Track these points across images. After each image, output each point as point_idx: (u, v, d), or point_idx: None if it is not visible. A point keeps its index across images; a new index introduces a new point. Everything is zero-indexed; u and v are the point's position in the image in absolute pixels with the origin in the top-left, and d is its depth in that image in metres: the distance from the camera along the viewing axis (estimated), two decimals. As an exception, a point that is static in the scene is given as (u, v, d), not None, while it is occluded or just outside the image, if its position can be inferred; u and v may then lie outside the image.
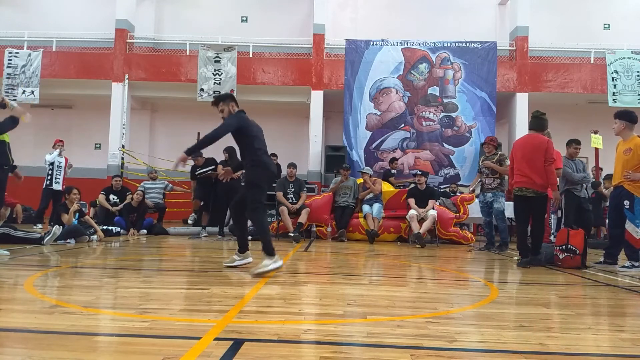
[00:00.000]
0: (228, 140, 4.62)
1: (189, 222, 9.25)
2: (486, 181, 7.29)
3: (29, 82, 12.09)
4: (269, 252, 4.12)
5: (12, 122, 4.99)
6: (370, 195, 8.82)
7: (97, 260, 5.13)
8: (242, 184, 4.93)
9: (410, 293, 3.59)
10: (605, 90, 11.83)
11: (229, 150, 8.44)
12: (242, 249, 4.58)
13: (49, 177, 9.38)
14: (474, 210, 8.64)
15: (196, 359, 1.88)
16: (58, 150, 9.41)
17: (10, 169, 5.26)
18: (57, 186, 9.34)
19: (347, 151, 12.19)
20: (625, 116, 5.31)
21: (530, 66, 12.76)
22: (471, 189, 8.69)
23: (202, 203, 8.63)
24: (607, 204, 7.33)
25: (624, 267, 5.18)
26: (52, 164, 9.35)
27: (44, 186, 9.38)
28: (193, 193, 9.09)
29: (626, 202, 5.11)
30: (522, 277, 4.75)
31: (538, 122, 5.54)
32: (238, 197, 4.53)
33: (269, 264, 4.05)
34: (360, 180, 9.27)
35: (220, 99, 4.50)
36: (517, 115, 12.59)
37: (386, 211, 8.74)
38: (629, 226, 5.09)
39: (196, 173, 8.68)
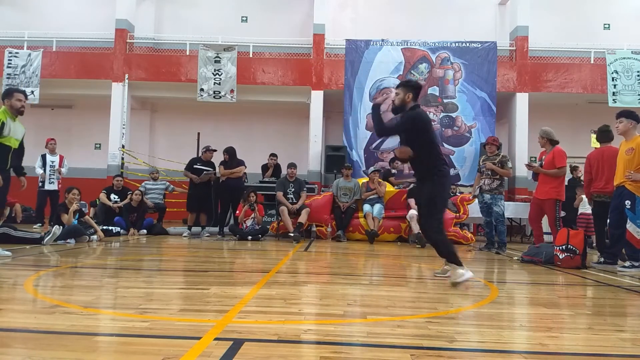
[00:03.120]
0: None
1: (184, 236, 9.12)
2: (485, 182, 7.20)
3: (29, 82, 12.07)
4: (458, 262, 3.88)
5: None
6: (374, 195, 8.83)
7: (97, 260, 5.13)
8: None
9: (410, 293, 3.58)
10: (605, 90, 11.81)
11: (229, 151, 8.40)
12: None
13: (42, 179, 9.43)
14: (474, 210, 8.62)
15: (196, 359, 1.88)
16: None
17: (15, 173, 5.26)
18: (52, 186, 9.36)
19: (347, 151, 12.18)
20: (633, 115, 5.33)
21: (530, 66, 12.75)
22: (473, 195, 8.21)
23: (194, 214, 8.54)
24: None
25: (624, 267, 5.18)
26: (44, 165, 9.40)
27: (38, 188, 9.42)
28: (190, 185, 8.65)
29: (627, 202, 5.10)
30: (522, 277, 4.75)
31: (606, 135, 5.97)
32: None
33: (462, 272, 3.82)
34: (361, 180, 9.26)
35: (401, 84, 4.26)
36: (517, 116, 12.56)
37: (386, 211, 8.72)
38: (629, 226, 5.08)
39: (194, 166, 8.51)
